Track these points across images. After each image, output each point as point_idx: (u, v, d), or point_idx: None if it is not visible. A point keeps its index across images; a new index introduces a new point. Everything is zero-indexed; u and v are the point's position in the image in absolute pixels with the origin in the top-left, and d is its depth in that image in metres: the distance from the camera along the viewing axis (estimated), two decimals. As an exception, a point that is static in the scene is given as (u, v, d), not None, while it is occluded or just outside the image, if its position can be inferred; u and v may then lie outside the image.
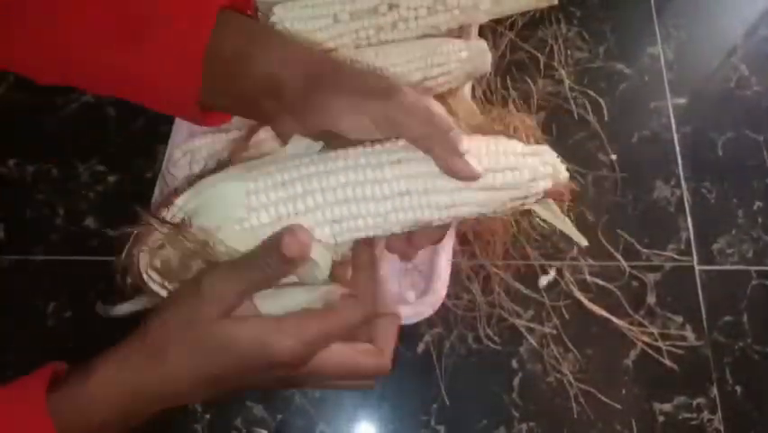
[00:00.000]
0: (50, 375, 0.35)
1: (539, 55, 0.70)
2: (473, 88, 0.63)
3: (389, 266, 0.58)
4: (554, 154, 0.37)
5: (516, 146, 0.36)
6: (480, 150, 0.35)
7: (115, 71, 0.40)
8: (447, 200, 0.35)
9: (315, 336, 0.35)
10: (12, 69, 0.43)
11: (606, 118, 0.68)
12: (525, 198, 0.36)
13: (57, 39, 0.40)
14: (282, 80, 0.37)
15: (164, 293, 0.37)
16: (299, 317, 0.36)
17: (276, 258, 0.34)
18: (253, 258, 0.35)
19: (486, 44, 0.58)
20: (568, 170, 0.37)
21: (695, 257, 0.63)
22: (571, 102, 0.68)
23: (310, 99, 0.37)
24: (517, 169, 0.36)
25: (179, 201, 0.36)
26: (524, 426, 0.57)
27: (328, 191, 0.35)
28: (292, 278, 0.37)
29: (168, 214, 0.36)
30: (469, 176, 0.34)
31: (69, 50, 0.40)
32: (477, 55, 0.57)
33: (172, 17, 0.39)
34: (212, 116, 0.43)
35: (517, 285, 0.61)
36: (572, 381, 0.58)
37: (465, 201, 0.35)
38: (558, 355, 0.59)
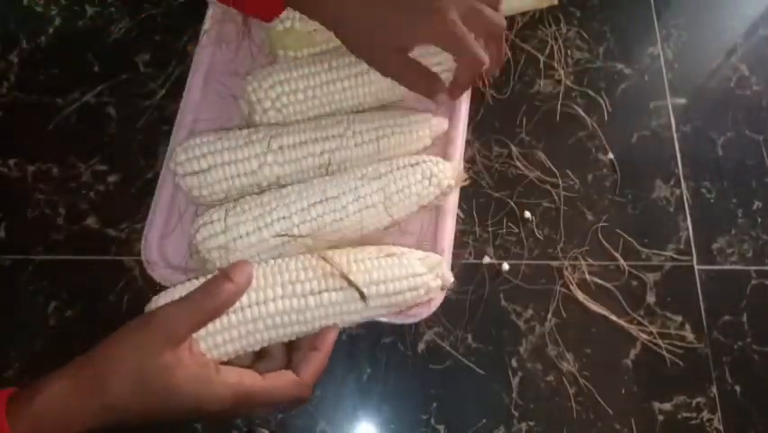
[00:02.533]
0: (7, 395, 0.36)
1: (539, 55, 0.70)
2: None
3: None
4: (444, 265, 0.51)
5: (416, 265, 0.48)
6: (384, 272, 0.47)
7: None
8: (357, 318, 0.47)
9: (248, 395, 0.39)
10: None
11: (605, 118, 0.68)
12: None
13: None
14: None
15: None
16: (239, 373, 0.40)
17: (224, 284, 0.40)
18: (205, 288, 0.40)
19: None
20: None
21: (695, 257, 0.63)
22: (571, 102, 0.68)
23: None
24: (415, 288, 0.48)
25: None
26: (523, 425, 0.57)
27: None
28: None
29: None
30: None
31: None
32: None
33: None
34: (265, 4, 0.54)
35: (518, 284, 0.61)
36: (572, 380, 0.58)
37: (371, 316, 0.48)
38: (558, 355, 0.59)
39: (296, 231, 0.53)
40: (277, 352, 0.45)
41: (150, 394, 0.37)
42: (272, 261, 0.47)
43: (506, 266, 0.62)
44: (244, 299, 0.43)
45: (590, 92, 0.69)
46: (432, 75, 0.54)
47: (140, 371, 0.36)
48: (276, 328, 0.44)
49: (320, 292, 0.45)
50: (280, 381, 0.41)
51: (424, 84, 0.54)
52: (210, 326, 0.41)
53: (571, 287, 0.61)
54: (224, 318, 0.42)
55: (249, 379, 0.40)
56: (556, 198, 0.64)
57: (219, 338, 0.42)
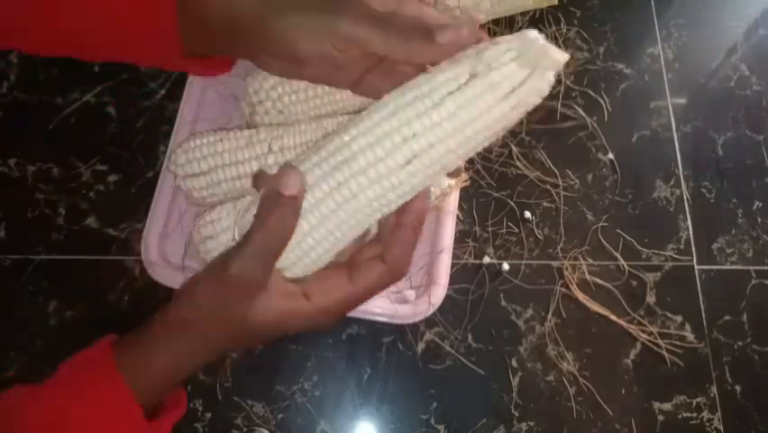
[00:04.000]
0: (109, 343, 0.37)
1: (539, 55, 0.69)
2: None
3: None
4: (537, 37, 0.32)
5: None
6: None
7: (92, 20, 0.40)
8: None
9: (342, 308, 0.37)
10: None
11: (606, 118, 0.68)
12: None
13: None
14: (238, 14, 0.38)
15: None
16: (327, 292, 0.37)
17: (277, 201, 0.34)
18: (261, 222, 0.35)
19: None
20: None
21: (695, 257, 0.63)
22: (571, 102, 0.68)
23: (269, 26, 0.37)
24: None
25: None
26: (523, 425, 0.57)
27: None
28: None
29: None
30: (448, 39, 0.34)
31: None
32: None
33: None
34: (208, 63, 0.43)
35: (518, 284, 0.61)
36: (572, 380, 0.58)
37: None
38: (557, 355, 0.59)
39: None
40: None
41: (249, 339, 0.37)
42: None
43: (506, 266, 0.62)
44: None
45: (591, 92, 0.69)
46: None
47: (227, 321, 0.36)
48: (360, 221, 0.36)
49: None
50: (370, 276, 0.37)
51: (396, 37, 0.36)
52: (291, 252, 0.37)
53: (572, 287, 0.61)
54: (308, 239, 0.37)
55: (337, 293, 0.37)
56: (556, 197, 0.64)
57: (306, 260, 0.38)
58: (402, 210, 0.37)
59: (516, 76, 0.31)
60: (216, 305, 0.35)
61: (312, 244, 0.37)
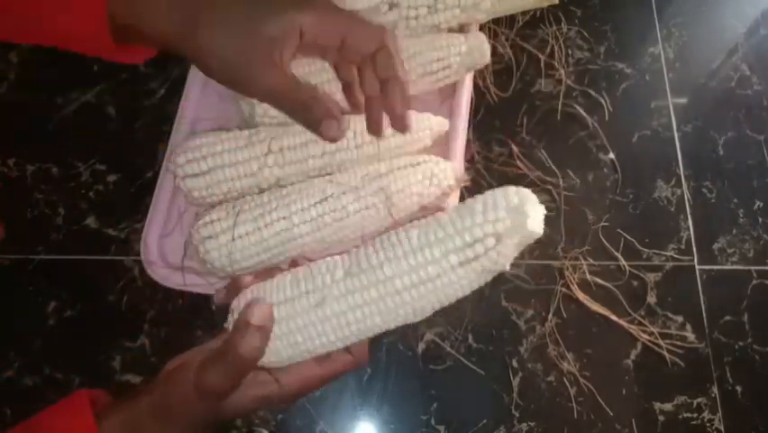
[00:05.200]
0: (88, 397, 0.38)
1: (539, 55, 0.69)
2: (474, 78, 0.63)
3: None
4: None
5: None
6: None
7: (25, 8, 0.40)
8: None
9: (311, 388, 0.40)
10: None
11: (606, 118, 0.68)
12: None
13: None
14: (169, 31, 0.39)
15: None
16: (300, 377, 0.40)
17: (246, 329, 0.37)
18: (227, 341, 0.38)
19: (484, 36, 0.58)
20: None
21: (695, 257, 0.63)
22: (572, 101, 0.68)
23: (197, 41, 0.38)
24: None
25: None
26: (524, 425, 0.57)
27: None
28: None
29: None
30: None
31: None
32: (475, 48, 0.57)
33: None
34: (132, 51, 0.44)
35: (518, 284, 0.61)
36: (572, 380, 0.58)
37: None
38: (558, 355, 0.59)
39: (296, 231, 0.53)
40: None
41: (221, 422, 0.39)
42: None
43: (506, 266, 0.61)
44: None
45: (591, 92, 0.69)
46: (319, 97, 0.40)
47: (204, 419, 0.39)
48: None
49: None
50: (338, 365, 0.41)
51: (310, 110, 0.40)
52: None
53: (572, 287, 0.60)
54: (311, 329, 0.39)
55: (307, 377, 0.40)
56: (557, 197, 0.64)
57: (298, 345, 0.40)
58: None
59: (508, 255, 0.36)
60: (193, 402, 0.38)
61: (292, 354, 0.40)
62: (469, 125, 0.64)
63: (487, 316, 0.60)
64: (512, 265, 0.61)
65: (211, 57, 0.39)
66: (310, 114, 0.40)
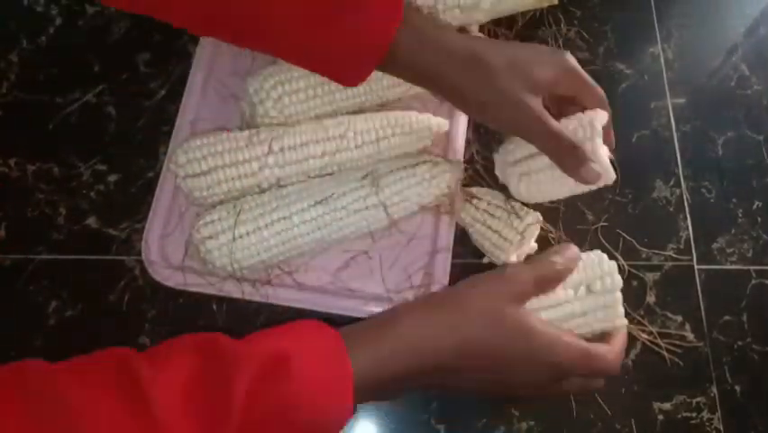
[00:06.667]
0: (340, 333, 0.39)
1: (539, 55, 0.69)
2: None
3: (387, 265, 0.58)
4: None
5: None
6: None
7: (304, 45, 0.47)
8: None
9: (591, 357, 0.42)
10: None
11: (606, 118, 0.68)
12: None
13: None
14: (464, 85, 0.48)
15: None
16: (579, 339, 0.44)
17: (561, 260, 0.44)
18: (544, 259, 0.45)
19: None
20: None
21: (694, 256, 0.63)
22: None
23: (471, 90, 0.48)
24: None
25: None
26: (523, 425, 0.57)
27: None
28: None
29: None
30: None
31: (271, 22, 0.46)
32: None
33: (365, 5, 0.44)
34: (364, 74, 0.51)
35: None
36: (572, 380, 0.58)
37: None
38: (558, 355, 0.59)
39: (296, 231, 0.53)
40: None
41: (503, 334, 0.40)
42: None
43: (506, 266, 0.62)
44: None
45: (591, 92, 0.69)
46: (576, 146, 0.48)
47: (491, 313, 0.40)
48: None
49: None
50: (607, 350, 0.43)
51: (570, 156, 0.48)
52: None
53: (572, 287, 0.61)
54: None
55: (589, 344, 0.43)
56: (556, 197, 0.64)
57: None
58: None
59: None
60: (488, 295, 0.41)
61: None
62: (469, 125, 0.64)
63: (486, 315, 0.60)
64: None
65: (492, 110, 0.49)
66: (574, 158, 0.47)
